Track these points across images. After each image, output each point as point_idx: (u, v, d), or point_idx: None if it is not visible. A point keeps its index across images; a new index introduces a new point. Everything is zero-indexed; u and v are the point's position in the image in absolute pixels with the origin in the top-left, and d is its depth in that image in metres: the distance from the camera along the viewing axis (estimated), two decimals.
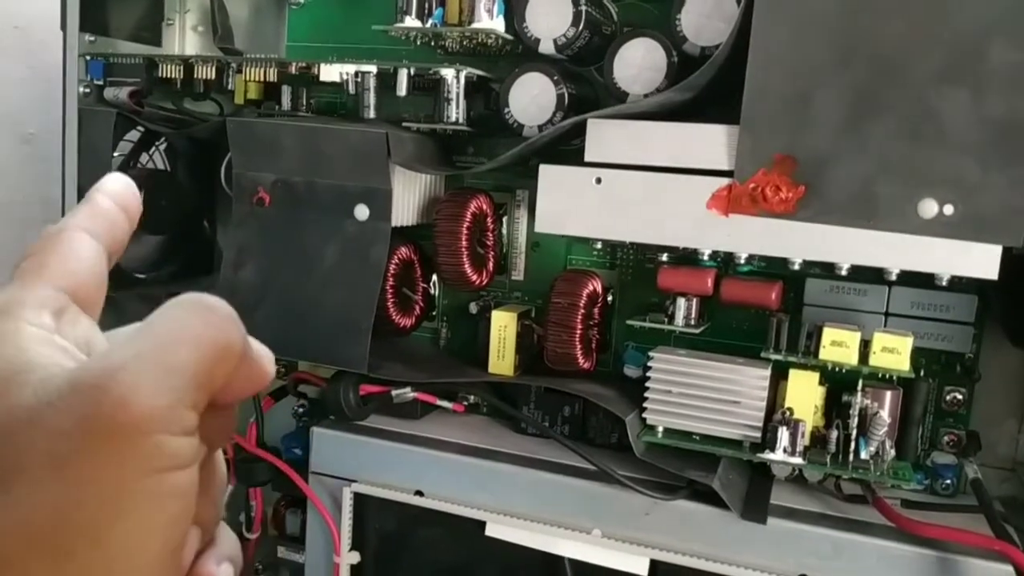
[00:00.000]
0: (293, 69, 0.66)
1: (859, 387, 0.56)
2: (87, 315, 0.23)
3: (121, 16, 0.75)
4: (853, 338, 0.54)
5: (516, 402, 0.67)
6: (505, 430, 0.69)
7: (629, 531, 0.58)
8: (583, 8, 0.58)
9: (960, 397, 0.61)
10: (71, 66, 0.70)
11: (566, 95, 0.61)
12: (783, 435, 0.56)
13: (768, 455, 0.56)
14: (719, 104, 0.55)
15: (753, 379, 0.57)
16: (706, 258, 0.57)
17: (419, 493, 0.63)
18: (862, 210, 0.50)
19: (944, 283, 0.52)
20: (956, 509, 0.57)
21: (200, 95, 0.73)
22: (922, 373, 0.60)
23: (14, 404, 0.19)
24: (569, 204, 0.58)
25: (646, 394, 0.60)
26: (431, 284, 0.72)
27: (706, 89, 0.56)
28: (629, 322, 0.64)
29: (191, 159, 0.78)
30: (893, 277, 0.53)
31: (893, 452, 0.56)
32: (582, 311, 0.62)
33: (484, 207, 0.66)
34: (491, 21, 0.60)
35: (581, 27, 0.59)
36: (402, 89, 0.63)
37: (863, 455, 0.56)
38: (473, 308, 0.71)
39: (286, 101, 0.72)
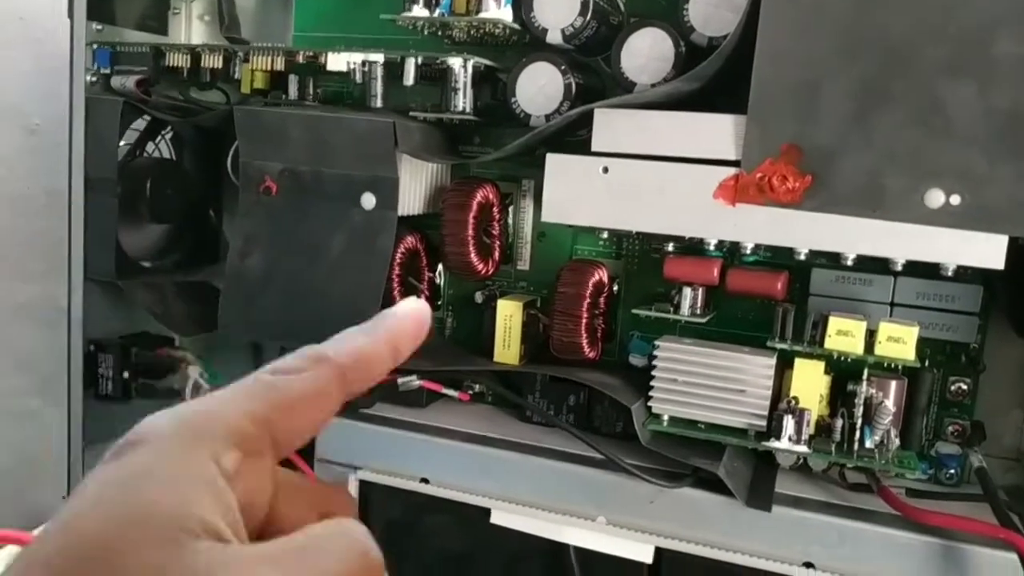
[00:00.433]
0: (300, 58, 0.67)
1: (864, 376, 0.56)
2: (272, 457, 0.21)
3: (127, 4, 0.75)
4: (859, 327, 0.55)
5: (521, 391, 0.67)
6: (510, 419, 0.69)
7: (634, 519, 0.58)
8: None
9: (965, 387, 0.61)
10: (78, 54, 0.70)
11: (573, 85, 0.61)
12: (788, 424, 0.56)
13: (773, 443, 0.56)
14: (727, 94, 0.55)
15: (758, 368, 0.57)
16: (712, 248, 0.57)
17: (424, 481, 0.63)
18: (868, 200, 0.50)
19: (950, 273, 0.52)
20: (960, 498, 0.57)
21: (207, 84, 0.73)
22: (927, 363, 0.60)
23: (186, 567, 0.17)
24: (576, 193, 0.58)
25: (652, 383, 0.60)
26: (437, 273, 0.72)
27: (714, 79, 0.56)
28: (635, 311, 0.64)
29: (197, 148, 0.78)
30: (899, 267, 0.53)
31: (898, 441, 0.57)
32: (588, 300, 0.63)
33: (490, 197, 0.66)
34: (499, 10, 0.60)
35: (589, 17, 0.59)
36: (409, 78, 0.63)
37: (868, 444, 0.56)
38: (479, 297, 0.71)
39: (293, 90, 0.72)
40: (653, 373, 0.60)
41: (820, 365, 0.57)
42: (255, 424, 0.20)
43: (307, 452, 0.68)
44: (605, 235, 0.66)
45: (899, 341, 0.54)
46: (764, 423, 0.57)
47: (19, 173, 0.73)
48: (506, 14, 0.61)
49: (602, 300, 0.65)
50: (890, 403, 0.56)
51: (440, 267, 0.72)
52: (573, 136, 0.62)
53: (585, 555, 0.59)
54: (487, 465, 0.62)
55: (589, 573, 0.60)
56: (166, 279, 0.76)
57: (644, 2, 0.64)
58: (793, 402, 0.57)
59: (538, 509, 0.60)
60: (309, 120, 0.63)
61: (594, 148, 0.57)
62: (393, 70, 0.64)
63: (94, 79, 0.71)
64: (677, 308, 0.62)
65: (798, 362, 0.57)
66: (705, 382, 0.58)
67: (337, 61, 0.65)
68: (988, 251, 0.49)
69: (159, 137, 0.76)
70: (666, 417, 0.60)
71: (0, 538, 0.49)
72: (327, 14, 0.74)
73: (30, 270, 0.67)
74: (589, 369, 0.65)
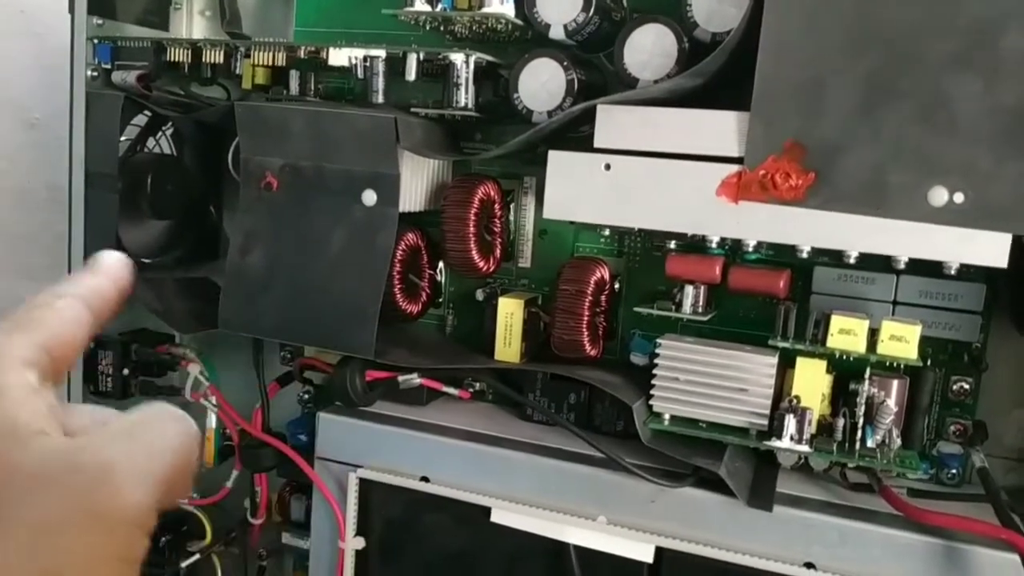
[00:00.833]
0: (302, 53, 0.66)
1: (866, 375, 0.56)
2: (53, 377, 0.25)
3: None
4: (861, 326, 0.54)
5: (522, 389, 0.67)
6: (511, 417, 0.69)
7: (635, 518, 0.58)
8: None
9: (967, 387, 0.61)
10: (79, 49, 0.70)
11: (576, 81, 0.61)
12: (790, 423, 0.56)
13: (774, 443, 0.56)
14: (730, 90, 0.55)
15: (760, 367, 0.57)
16: (714, 246, 0.56)
17: (424, 479, 0.63)
18: (872, 198, 0.50)
19: (953, 272, 0.52)
20: (962, 498, 0.57)
21: (208, 80, 0.73)
22: (929, 362, 0.60)
23: (16, 463, 0.21)
24: (578, 190, 0.57)
25: (653, 381, 0.59)
26: (438, 270, 0.72)
27: (717, 75, 0.56)
28: (636, 309, 0.63)
29: (198, 144, 0.78)
30: (901, 265, 0.53)
31: (899, 441, 0.56)
32: (589, 298, 0.62)
33: (492, 193, 0.65)
34: (501, 6, 0.60)
35: (591, 12, 0.59)
36: (411, 74, 0.63)
37: (869, 443, 0.56)
38: (480, 295, 0.71)
39: (294, 86, 0.72)
40: (654, 371, 0.60)
41: (822, 364, 0.56)
42: (39, 351, 0.25)
43: (307, 451, 0.68)
44: (607, 232, 0.66)
45: (901, 340, 0.54)
46: (765, 422, 0.57)
47: (20, 167, 0.72)
48: (508, 9, 0.60)
49: (603, 298, 0.65)
50: (892, 402, 0.56)
51: (441, 264, 0.71)
52: (575, 132, 0.62)
53: (585, 554, 0.59)
54: (487, 463, 0.62)
55: (589, 572, 0.60)
56: (166, 275, 0.76)
57: None
58: (795, 401, 0.56)
59: (538, 508, 0.60)
60: (310, 116, 0.62)
61: (596, 144, 0.57)
62: (395, 66, 0.64)
63: (95, 74, 0.71)
64: (679, 306, 0.61)
65: (800, 361, 0.57)
66: (707, 381, 0.58)
67: (338, 56, 0.64)
68: (991, 249, 0.49)
69: (160, 133, 0.76)
70: (667, 416, 0.60)
71: None
72: (328, 9, 0.74)
73: (30, 265, 0.67)
74: (590, 367, 0.64)
